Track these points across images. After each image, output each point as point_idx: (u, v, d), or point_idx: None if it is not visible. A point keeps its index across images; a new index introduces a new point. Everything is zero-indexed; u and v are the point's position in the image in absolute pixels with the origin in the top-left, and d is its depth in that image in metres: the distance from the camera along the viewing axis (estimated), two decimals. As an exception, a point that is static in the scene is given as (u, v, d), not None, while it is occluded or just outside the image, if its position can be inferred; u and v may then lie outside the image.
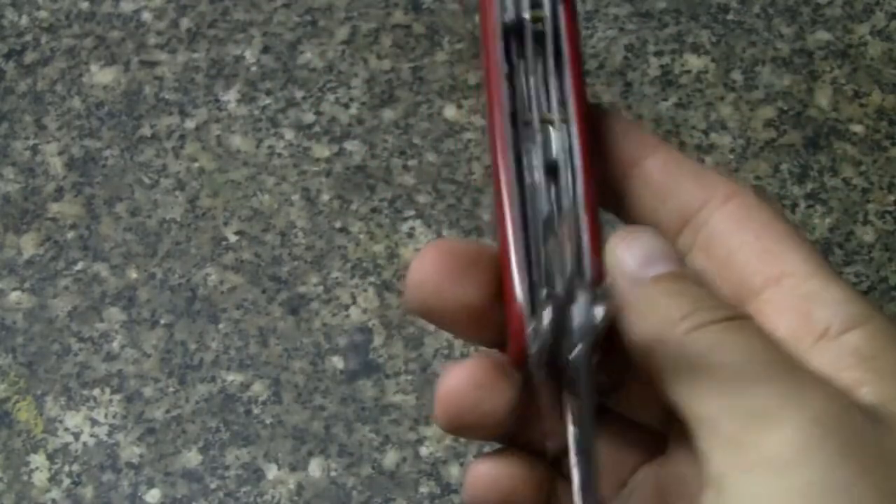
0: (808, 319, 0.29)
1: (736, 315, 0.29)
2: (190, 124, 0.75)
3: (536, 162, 0.31)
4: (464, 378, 0.31)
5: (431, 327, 0.68)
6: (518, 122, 0.31)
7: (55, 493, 0.65)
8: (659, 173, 0.32)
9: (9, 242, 0.72)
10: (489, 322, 0.31)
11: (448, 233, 0.71)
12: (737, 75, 0.76)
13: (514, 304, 0.30)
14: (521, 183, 0.31)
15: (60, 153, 0.75)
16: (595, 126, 0.32)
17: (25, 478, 0.66)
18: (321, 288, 0.70)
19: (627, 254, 0.31)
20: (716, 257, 0.31)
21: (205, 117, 0.75)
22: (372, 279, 0.70)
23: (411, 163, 0.73)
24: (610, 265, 0.31)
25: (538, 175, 0.31)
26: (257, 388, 0.67)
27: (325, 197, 0.73)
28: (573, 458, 0.30)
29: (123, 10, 0.79)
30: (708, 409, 0.28)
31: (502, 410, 0.31)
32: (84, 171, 0.74)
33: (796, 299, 0.29)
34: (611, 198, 0.33)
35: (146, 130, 0.75)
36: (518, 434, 0.33)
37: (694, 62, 0.76)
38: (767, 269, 0.30)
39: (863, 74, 0.75)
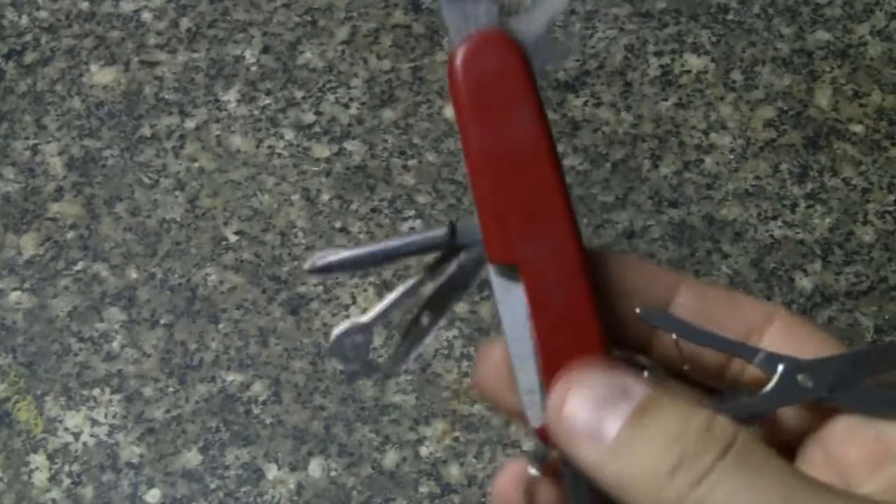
0: (882, 438, 0.28)
1: (731, 440, 0.26)
2: (190, 124, 0.75)
3: None
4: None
5: (431, 327, 0.68)
6: None
7: (55, 493, 0.65)
8: (692, 312, 0.31)
9: (9, 242, 0.72)
10: None
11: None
12: (737, 75, 0.76)
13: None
14: None
15: (60, 153, 0.75)
16: (607, 270, 0.32)
17: (25, 478, 0.66)
18: (321, 288, 0.70)
19: (577, 405, 0.28)
20: None
21: (205, 117, 0.75)
22: (372, 279, 0.70)
23: (411, 163, 0.73)
24: (562, 421, 0.29)
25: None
26: (257, 388, 0.67)
27: (325, 197, 0.73)
28: None
29: (123, 10, 0.79)
30: None
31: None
32: (84, 171, 0.74)
33: (862, 419, 0.29)
34: (638, 340, 0.32)
35: (146, 130, 0.75)
36: None
37: (694, 62, 0.76)
38: (830, 428, 0.29)
39: (863, 74, 0.75)
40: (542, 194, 0.31)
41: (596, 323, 0.30)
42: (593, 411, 0.28)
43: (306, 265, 0.32)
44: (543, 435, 0.31)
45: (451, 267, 0.33)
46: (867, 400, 0.30)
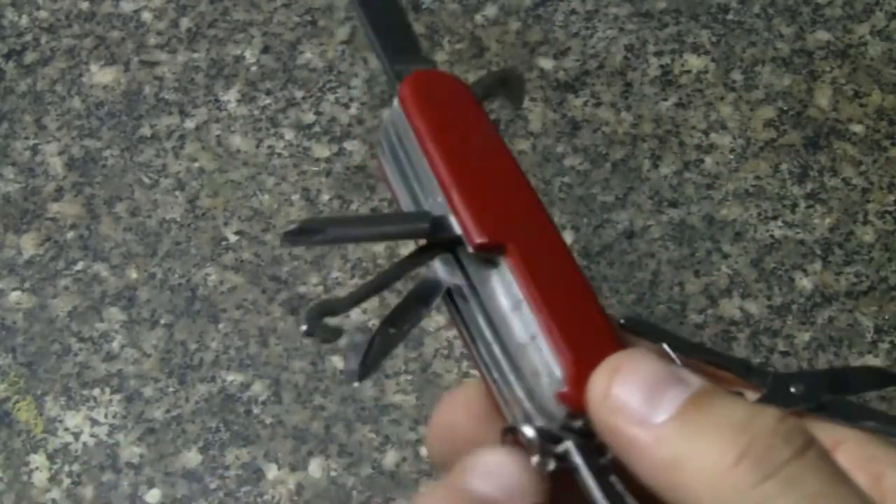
0: (881, 483, 0.26)
1: (809, 441, 0.24)
2: (190, 124, 0.75)
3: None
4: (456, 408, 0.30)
5: (431, 327, 0.68)
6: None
7: (55, 493, 0.65)
8: None
9: (9, 242, 0.72)
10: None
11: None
12: (737, 75, 0.76)
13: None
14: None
15: (60, 153, 0.75)
16: None
17: (25, 478, 0.66)
18: (321, 288, 0.70)
19: (627, 393, 0.26)
20: None
21: (205, 117, 0.75)
22: (372, 279, 0.70)
23: (411, 163, 0.73)
24: (608, 409, 0.26)
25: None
26: (257, 388, 0.67)
27: (325, 197, 0.73)
28: None
29: (123, 10, 0.79)
30: None
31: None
32: (84, 171, 0.74)
33: (862, 462, 0.27)
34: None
35: (146, 130, 0.75)
36: None
37: (694, 62, 0.76)
38: (821, 439, 0.26)
39: (863, 74, 0.75)
40: (511, 183, 0.33)
41: (592, 292, 0.31)
42: (644, 393, 0.25)
43: (283, 230, 0.33)
44: (568, 399, 0.28)
45: (422, 267, 0.34)
46: (853, 414, 0.30)
